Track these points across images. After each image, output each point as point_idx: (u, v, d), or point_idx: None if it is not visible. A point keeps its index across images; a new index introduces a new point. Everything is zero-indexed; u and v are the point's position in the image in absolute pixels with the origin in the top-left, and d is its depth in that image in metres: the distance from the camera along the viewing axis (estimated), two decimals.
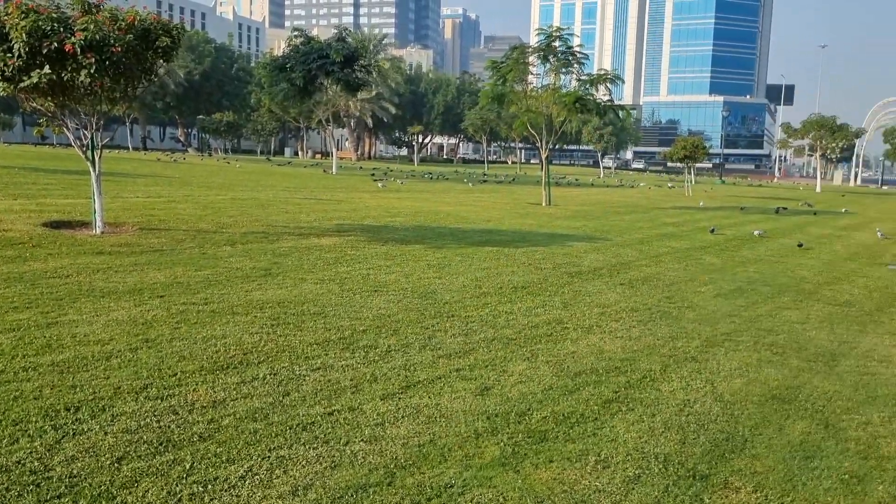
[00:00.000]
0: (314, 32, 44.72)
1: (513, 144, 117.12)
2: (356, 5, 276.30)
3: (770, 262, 14.00)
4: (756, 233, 18.86)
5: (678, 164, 40.95)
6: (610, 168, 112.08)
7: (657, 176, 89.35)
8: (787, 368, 6.78)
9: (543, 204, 25.07)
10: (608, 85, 24.10)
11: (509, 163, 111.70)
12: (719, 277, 11.70)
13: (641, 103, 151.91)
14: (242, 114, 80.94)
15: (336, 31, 38.82)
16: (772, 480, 4.37)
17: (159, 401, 4.91)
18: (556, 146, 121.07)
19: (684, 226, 20.48)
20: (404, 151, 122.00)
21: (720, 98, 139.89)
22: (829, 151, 69.12)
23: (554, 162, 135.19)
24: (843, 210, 32.86)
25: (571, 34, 24.38)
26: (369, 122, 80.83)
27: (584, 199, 30.48)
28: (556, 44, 24.05)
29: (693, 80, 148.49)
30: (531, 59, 24.18)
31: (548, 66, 24.16)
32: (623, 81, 24.79)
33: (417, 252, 12.01)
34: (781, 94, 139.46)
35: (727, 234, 18.58)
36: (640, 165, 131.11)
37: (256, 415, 4.79)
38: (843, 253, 16.42)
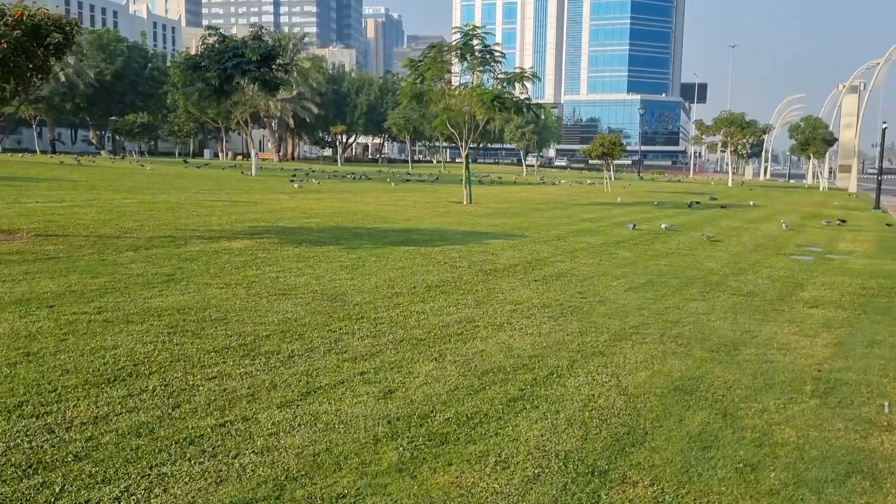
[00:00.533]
0: (233, 31, 43.59)
1: (437, 144, 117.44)
2: (276, 4, 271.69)
3: (681, 255, 14.35)
4: (663, 226, 19.37)
5: (597, 162, 41.81)
6: (533, 166, 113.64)
7: (578, 173, 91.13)
8: (691, 359, 6.89)
9: (464, 202, 25.12)
10: (525, 83, 24.30)
11: (434, 162, 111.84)
12: (631, 271, 11.90)
13: (562, 102, 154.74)
14: (158, 115, 78.49)
15: (252, 29, 37.97)
16: (669, 473, 4.38)
17: (34, 419, 4.58)
18: (481, 145, 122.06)
19: (601, 221, 20.85)
20: (329, 152, 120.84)
21: (637, 96, 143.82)
22: (739, 147, 71.92)
23: (479, 161, 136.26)
24: (752, 203, 34.14)
25: (489, 33, 24.47)
26: (290, 122, 79.47)
27: (505, 197, 30.71)
28: (474, 42, 24.10)
29: (611, 79, 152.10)
30: (449, 57, 24.15)
31: (466, 64, 24.18)
32: (540, 79, 25.06)
33: (331, 253, 11.78)
34: (695, 93, 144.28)
35: (642, 229, 18.98)
36: (563, 163, 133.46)
37: (141, 430, 4.52)
38: (749, 244, 16.98)
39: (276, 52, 36.35)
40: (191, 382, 5.40)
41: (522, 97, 24.37)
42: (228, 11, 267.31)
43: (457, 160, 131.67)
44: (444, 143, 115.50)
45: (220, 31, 37.41)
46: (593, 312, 8.65)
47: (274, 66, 36.59)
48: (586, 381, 6.04)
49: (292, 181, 32.92)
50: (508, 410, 5.26)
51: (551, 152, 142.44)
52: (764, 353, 7.29)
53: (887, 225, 23.59)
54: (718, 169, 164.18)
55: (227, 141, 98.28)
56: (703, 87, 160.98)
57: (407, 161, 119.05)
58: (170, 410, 4.85)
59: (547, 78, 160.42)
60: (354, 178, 41.95)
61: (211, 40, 36.83)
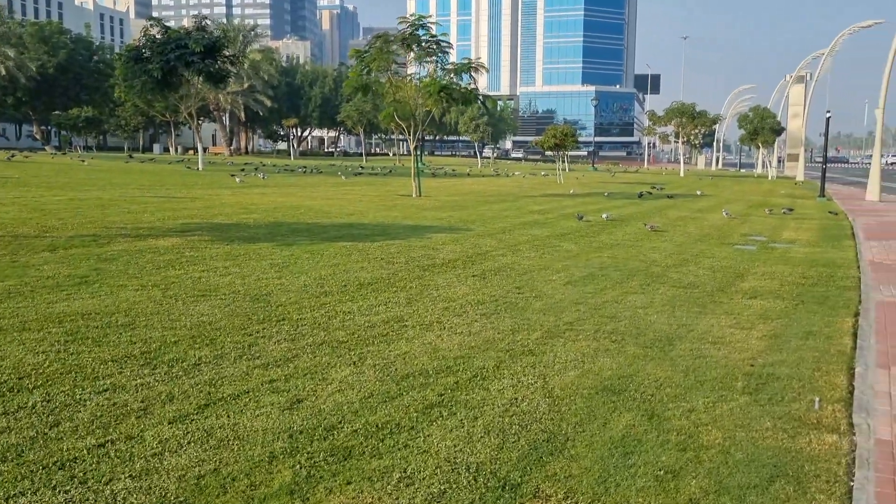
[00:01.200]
0: (184, 23, 42.11)
1: (393, 137, 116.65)
2: None
3: (625, 246, 14.21)
4: (604, 216, 19.36)
5: (552, 153, 41.76)
6: (489, 158, 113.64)
7: (534, 165, 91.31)
8: (623, 356, 6.66)
9: (413, 195, 24.76)
10: (474, 74, 23.99)
11: (391, 155, 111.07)
12: (573, 264, 11.69)
13: (518, 93, 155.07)
14: (105, 109, 76.33)
15: (195, 20, 36.90)
16: (585, 484, 4.11)
17: None
18: (437, 137, 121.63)
19: (550, 213, 20.68)
20: (283, 145, 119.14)
21: (592, 88, 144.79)
22: (692, 137, 72.77)
23: (436, 153, 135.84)
24: (698, 192, 34.41)
25: (436, 22, 24.08)
26: (241, 115, 77.99)
27: (456, 190, 30.43)
28: (420, 32, 23.70)
29: (566, 71, 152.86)
30: (395, 48, 23.70)
31: (412, 55, 23.77)
32: (488, 70, 24.78)
33: (263, 250, 11.33)
34: (648, 84, 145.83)
35: (590, 221, 18.86)
36: (519, 155, 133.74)
37: (8, 454, 4.08)
38: (695, 234, 16.96)
39: (222, 44, 35.39)
40: (78, 397, 4.96)
41: (471, 88, 24.04)
42: (179, 3, 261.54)
43: (420, 154, 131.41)
44: (400, 136, 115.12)
45: (163, 21, 36.24)
46: (528, 308, 8.39)
47: (220, 58, 35.64)
48: (511, 384, 5.76)
49: (234, 175, 32.12)
50: (423, 419, 4.95)
51: (508, 144, 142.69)
52: (698, 347, 7.10)
53: (831, 213, 23.89)
54: (672, 159, 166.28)
55: (178, 135, 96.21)
56: (656, 78, 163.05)
57: (363, 154, 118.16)
58: (46, 430, 4.42)
59: (503, 70, 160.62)
60: (305, 172, 41.22)
61: (154, 31, 35.71)
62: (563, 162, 73.20)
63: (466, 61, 23.90)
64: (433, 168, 59.46)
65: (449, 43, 24.42)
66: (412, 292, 8.95)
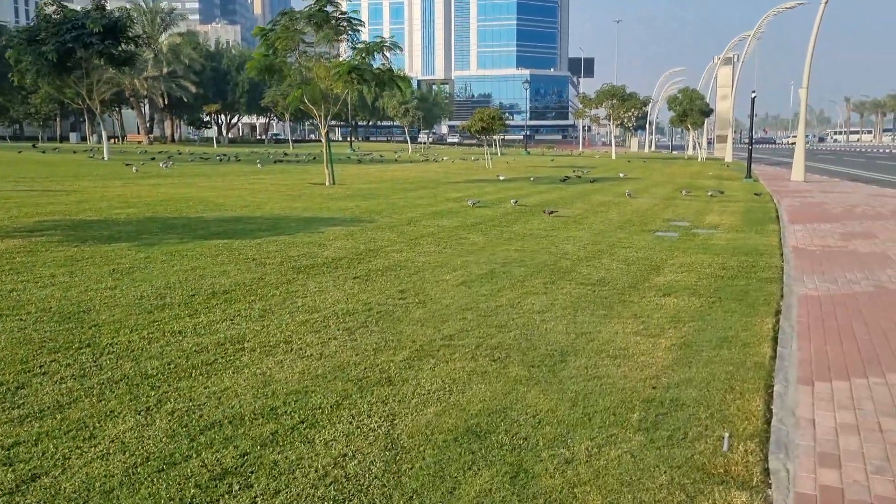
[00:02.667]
0: (106, 5, 38.97)
1: (331, 123, 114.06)
2: None
3: (538, 237, 13.11)
4: (512, 202, 18.41)
5: (487, 137, 40.56)
6: (424, 143, 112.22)
7: (468, 149, 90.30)
8: (503, 381, 5.48)
9: (327, 183, 23.28)
10: (387, 54, 22.57)
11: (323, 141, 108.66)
12: (475, 260, 10.49)
13: (453, 77, 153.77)
14: (16, 96, 71.78)
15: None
16: None
17: None
18: (370, 122, 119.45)
19: (466, 201, 19.47)
20: (213, 132, 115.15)
21: (527, 71, 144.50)
22: (625, 120, 72.74)
23: (371, 139, 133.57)
24: (621, 175, 33.79)
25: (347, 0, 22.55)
26: (160, 101, 74.57)
27: (376, 177, 29.02)
28: (329, 9, 22.13)
29: (500, 54, 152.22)
30: (302, 26, 22.07)
31: (321, 34, 22.19)
32: (401, 49, 23.39)
33: (115, 253, 9.79)
34: (581, 67, 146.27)
35: (506, 207, 17.75)
36: (456, 139, 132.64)
37: None
38: (616, 221, 16.01)
39: (124, 24, 32.96)
40: None
41: (385, 68, 22.62)
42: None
43: (349, 139, 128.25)
44: (333, 122, 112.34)
45: (59, 0, 33.53)
46: (405, 318, 7.14)
47: (123, 39, 33.21)
48: (346, 432, 4.49)
49: (129, 165, 29.89)
50: (203, 499, 3.63)
51: (444, 129, 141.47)
52: (595, 364, 5.97)
53: (756, 194, 23.39)
54: (608, 142, 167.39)
55: (100, 123, 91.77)
56: (590, 62, 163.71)
57: (298, 140, 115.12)
58: None
59: (437, 53, 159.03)
60: (222, 160, 39.14)
61: (49, 10, 33.08)
62: (496, 146, 72.49)
63: (379, 40, 22.44)
64: (361, 154, 57.79)
65: (360, 21, 22.92)
66: (271, 302, 7.60)
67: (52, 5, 32.98)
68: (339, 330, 6.66)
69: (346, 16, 22.41)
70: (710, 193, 23.27)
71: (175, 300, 7.48)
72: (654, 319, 7.45)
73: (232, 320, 6.86)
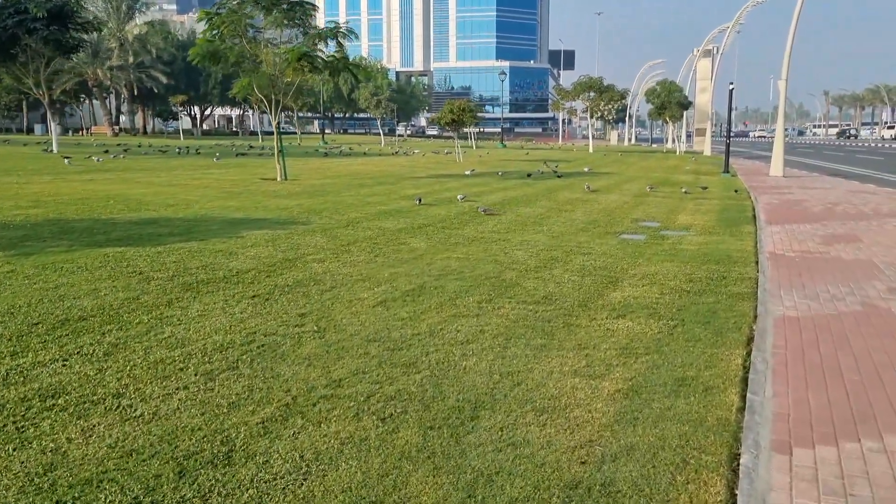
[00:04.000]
0: None
1: (304, 115, 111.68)
2: None
3: (489, 241, 11.75)
4: (459, 197, 17.16)
5: (459, 130, 39.06)
6: (402, 136, 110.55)
7: (445, 142, 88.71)
8: (385, 454, 4.12)
9: (278, 179, 21.79)
10: (341, 41, 21.06)
11: (298, 133, 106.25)
12: (406, 271, 9.11)
13: (432, 69, 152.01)
14: None
15: None
16: None
17: None
18: (346, 114, 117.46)
19: (424, 198, 18.08)
20: (186, 124, 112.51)
21: (506, 63, 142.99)
22: (605, 113, 71.55)
23: (349, 131, 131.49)
24: (586, 169, 32.53)
25: None
26: (125, 92, 72.27)
27: (336, 171, 27.53)
28: None
29: (480, 46, 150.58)
30: (250, 9, 20.51)
31: (270, 18, 20.66)
32: (357, 36, 21.94)
33: None
34: (561, 59, 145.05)
35: (462, 207, 16.39)
36: (435, 132, 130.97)
37: None
38: (580, 221, 14.70)
39: (71, 9, 31.11)
40: None
41: (339, 56, 21.12)
42: None
43: (329, 131, 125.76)
44: (309, 114, 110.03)
45: None
46: (290, 356, 5.75)
47: (70, 25, 31.36)
48: None
49: (67, 158, 28.09)
50: None
51: (423, 121, 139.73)
52: (515, 422, 4.63)
53: (734, 191, 22.20)
54: (587, 136, 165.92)
55: (70, 115, 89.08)
56: (570, 54, 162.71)
57: (275, 133, 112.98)
58: None
59: (415, 45, 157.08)
60: (181, 153, 37.40)
61: None
62: (471, 139, 71.04)
63: (334, 25, 20.93)
64: (330, 147, 56.17)
65: (313, 5, 21.38)
66: (130, 333, 6.17)
67: None
68: (196, 375, 5.26)
69: (299, 0, 20.85)
70: (684, 190, 22.03)
71: (7, 331, 6.03)
72: (601, 352, 6.12)
73: (65, 361, 5.44)
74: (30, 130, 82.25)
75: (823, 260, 10.67)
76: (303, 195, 17.76)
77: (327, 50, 21.26)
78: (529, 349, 6.17)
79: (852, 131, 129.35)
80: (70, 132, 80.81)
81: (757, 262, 10.47)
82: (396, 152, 49.42)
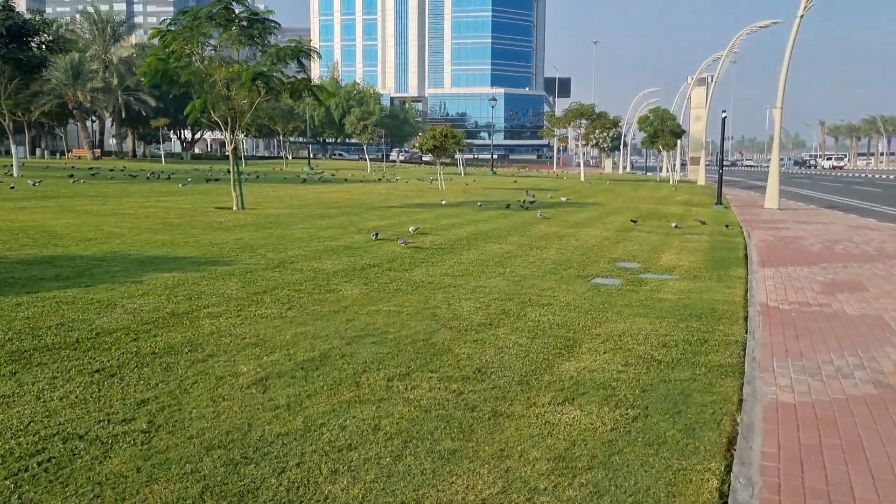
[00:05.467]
0: (16, 6, 35.35)
1: (298, 140, 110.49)
2: None
3: (435, 287, 10.10)
4: (411, 229, 15.72)
5: (440, 158, 37.53)
6: (395, 162, 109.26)
7: (438, 168, 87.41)
8: None
9: (234, 208, 20.17)
10: (302, 60, 19.58)
11: (289, 158, 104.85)
12: (316, 331, 7.45)
13: (427, 95, 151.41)
14: None
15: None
16: None
17: None
18: (338, 139, 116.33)
19: (382, 231, 16.44)
20: (174, 148, 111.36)
21: (501, 90, 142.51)
22: (600, 140, 70.21)
23: (342, 156, 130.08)
24: (563, 199, 30.94)
25: None
26: (105, 115, 70.87)
27: (303, 199, 25.93)
28: (237, 8, 19.17)
29: (475, 73, 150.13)
30: (208, 27, 19.02)
31: (225, 35, 19.18)
32: (320, 56, 20.53)
33: None
34: (556, 87, 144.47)
35: (420, 243, 14.75)
36: (429, 158, 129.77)
37: None
38: (551, 261, 13.06)
39: (33, 27, 29.69)
40: None
41: (300, 77, 19.63)
42: (76, 0, 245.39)
43: (347, 155, 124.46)
44: (301, 138, 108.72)
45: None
46: (70, 484, 4.07)
47: (33, 43, 29.93)
48: None
49: (11, 186, 26.48)
50: None
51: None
52: None
53: (725, 226, 20.59)
54: (586, 163, 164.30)
55: (60, 137, 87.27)
56: (566, 82, 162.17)
57: (264, 157, 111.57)
58: None
59: (410, 71, 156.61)
60: (149, 179, 35.80)
61: None
62: (460, 166, 69.65)
63: (294, 44, 19.44)
64: (313, 172, 54.69)
65: (275, 23, 19.92)
66: None
67: None
68: None
69: (257, 16, 19.41)
70: (674, 224, 20.42)
71: None
72: (528, 466, 4.47)
73: None
74: (7, 153, 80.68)
75: (825, 316, 9.03)
76: (249, 227, 16.13)
77: (288, 71, 19.77)
78: (431, 460, 4.50)
79: (811, 161, 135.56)
80: (58, 155, 79.31)
81: (746, 319, 8.83)
82: (380, 179, 47.89)
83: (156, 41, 19.72)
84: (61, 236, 13.17)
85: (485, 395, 5.77)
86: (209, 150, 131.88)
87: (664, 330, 8.10)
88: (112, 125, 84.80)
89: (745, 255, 14.81)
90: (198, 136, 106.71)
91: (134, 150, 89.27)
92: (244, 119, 20.90)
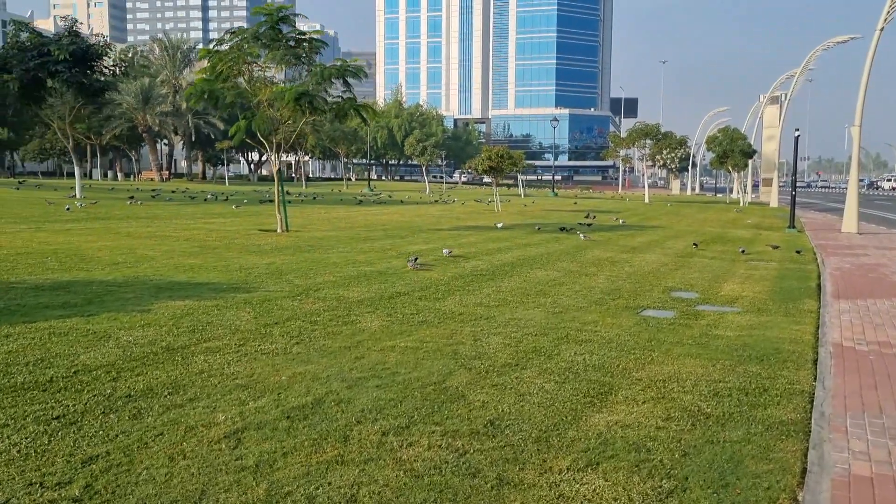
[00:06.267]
0: (80, 30, 36.14)
1: (365, 162, 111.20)
2: (205, 20, 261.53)
3: (465, 320, 9.24)
4: (445, 252, 15.02)
5: (496, 178, 36.70)
6: (456, 182, 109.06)
7: (494, 189, 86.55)
8: None
9: (278, 230, 19.78)
10: (348, 80, 19.12)
11: (352, 180, 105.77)
12: (319, 370, 6.69)
13: (490, 116, 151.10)
14: (32, 130, 70.51)
15: (65, 22, 31.75)
16: None
17: None
18: (400, 161, 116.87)
19: (423, 255, 15.69)
20: (242, 170, 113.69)
21: (566, 111, 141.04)
22: (668, 161, 68.19)
23: (405, 178, 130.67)
24: (620, 221, 29.73)
25: (298, 14, 19.23)
26: (173, 138, 72.70)
27: (353, 222, 25.45)
28: (284, 28, 18.91)
29: (539, 94, 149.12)
30: (248, 46, 18.77)
31: (271, 54, 18.90)
32: (367, 76, 20.00)
33: None
34: (622, 107, 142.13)
35: (462, 269, 13.93)
36: (489, 179, 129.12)
37: None
38: (599, 289, 12.06)
39: (96, 52, 30.32)
40: None
41: (346, 97, 19.18)
42: (155, 28, 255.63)
43: (412, 177, 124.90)
44: (364, 160, 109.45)
45: (31, 25, 31.03)
46: None
47: (95, 68, 30.55)
48: None
49: (52, 203, 26.82)
50: None
51: None
52: None
53: (797, 252, 19.10)
54: (654, 184, 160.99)
55: (137, 160, 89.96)
56: (633, 102, 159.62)
57: (328, 179, 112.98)
58: None
59: (474, 92, 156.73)
60: (206, 200, 36.07)
61: (23, 36, 30.68)
62: (521, 187, 68.61)
63: (339, 63, 19.02)
64: (371, 194, 54.62)
65: (322, 42, 19.57)
66: None
67: (25, 31, 30.54)
68: None
69: (304, 35, 19.10)
70: (740, 249, 19.05)
71: None
72: None
73: None
74: (90, 175, 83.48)
75: None
76: (286, 251, 15.61)
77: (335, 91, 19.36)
78: None
79: (877, 183, 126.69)
80: (132, 177, 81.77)
81: (815, 362, 7.67)
82: (436, 201, 47.34)
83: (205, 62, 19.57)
84: (91, 259, 12.86)
85: (493, 455, 4.90)
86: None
87: (717, 374, 7.05)
88: (183, 148, 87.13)
89: (818, 286, 13.47)
90: (265, 158, 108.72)
91: (204, 173, 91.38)
92: (290, 140, 20.57)
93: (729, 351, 8.05)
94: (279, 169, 20.46)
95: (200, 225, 21.32)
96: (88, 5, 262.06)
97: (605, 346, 8.09)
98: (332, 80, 18.67)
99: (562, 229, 22.19)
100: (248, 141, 19.55)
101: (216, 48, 18.95)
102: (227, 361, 6.85)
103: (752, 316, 10.27)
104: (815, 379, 7.02)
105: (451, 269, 13.88)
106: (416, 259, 14.06)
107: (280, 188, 19.96)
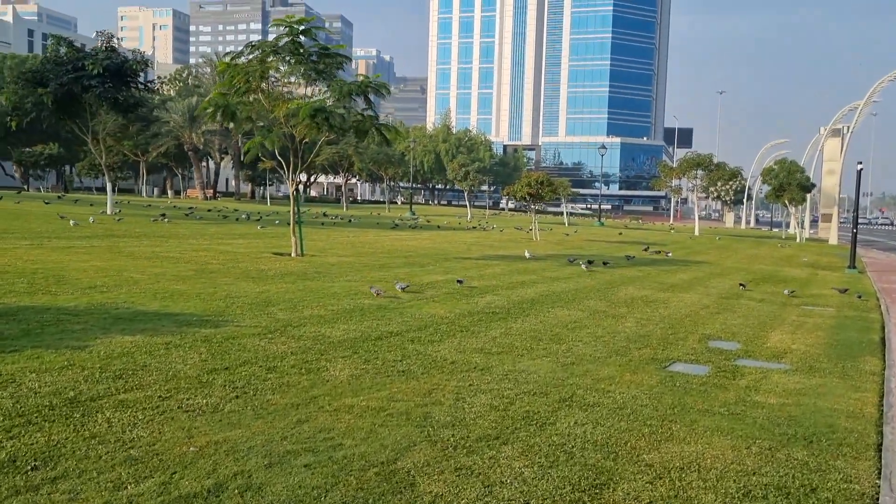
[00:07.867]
0: (117, 45, 35.75)
1: (413, 185, 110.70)
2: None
3: (455, 370, 7.84)
4: (458, 282, 13.85)
5: (535, 206, 35.16)
6: (503, 209, 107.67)
7: (544, 217, 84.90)
8: None
9: (293, 254, 18.67)
10: (370, 97, 18.02)
11: (397, 203, 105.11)
12: (244, 438, 5.37)
13: (540, 143, 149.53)
14: (83, 146, 71.43)
15: (101, 36, 31.56)
16: None
17: None
18: (446, 185, 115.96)
19: (436, 288, 14.33)
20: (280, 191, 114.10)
21: (618, 139, 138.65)
22: (723, 193, 65.74)
23: (452, 203, 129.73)
24: (668, 254, 27.98)
25: (320, 28, 18.23)
26: (217, 156, 72.96)
27: (377, 247, 24.24)
28: (306, 41, 17.94)
29: (590, 122, 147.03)
30: (270, 59, 17.84)
31: (289, 68, 17.94)
32: (389, 92, 18.83)
33: None
34: (675, 136, 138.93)
35: (469, 307, 12.51)
36: (537, 206, 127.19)
37: None
38: (624, 335, 10.52)
39: (132, 67, 29.99)
40: None
41: (367, 114, 18.05)
42: (216, 50, 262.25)
43: (454, 202, 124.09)
44: (407, 184, 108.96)
45: (68, 39, 30.99)
46: None
47: (131, 83, 30.24)
48: None
49: (64, 217, 26.18)
50: None
51: None
52: None
53: (857, 296, 17.16)
54: (707, 215, 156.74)
55: (189, 177, 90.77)
56: (687, 132, 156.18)
57: (372, 202, 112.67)
58: None
59: (524, 119, 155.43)
60: (238, 220, 35.36)
61: (62, 50, 30.62)
62: (565, 215, 66.88)
63: (362, 78, 17.92)
64: (411, 218, 53.51)
65: (345, 57, 18.54)
66: None
67: (63, 46, 30.44)
68: None
69: (326, 50, 18.08)
70: (788, 292, 17.19)
71: None
72: None
73: None
74: (130, 191, 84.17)
75: None
76: (288, 277, 14.42)
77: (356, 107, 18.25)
78: None
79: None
80: (181, 194, 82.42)
81: (880, 448, 6.05)
82: (475, 227, 45.94)
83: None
84: (67, 282, 11.85)
85: None
86: (325, 192, 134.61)
87: (752, 462, 5.52)
88: (233, 167, 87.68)
89: (882, 339, 11.67)
90: (312, 178, 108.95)
91: (253, 192, 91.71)
92: (308, 160, 19.53)
93: (770, 427, 6.48)
94: (295, 189, 19.40)
95: (214, 246, 20.36)
96: (154, 28, 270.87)
97: (614, 414, 6.60)
98: (354, 96, 17.56)
99: (589, 262, 20.53)
100: (262, 158, 18.51)
101: (234, 62, 18.04)
102: (134, 422, 5.58)
103: (801, 376, 8.63)
104: (880, 476, 5.41)
105: (461, 304, 12.49)
106: (405, 286, 13.12)
107: (296, 210, 18.86)
